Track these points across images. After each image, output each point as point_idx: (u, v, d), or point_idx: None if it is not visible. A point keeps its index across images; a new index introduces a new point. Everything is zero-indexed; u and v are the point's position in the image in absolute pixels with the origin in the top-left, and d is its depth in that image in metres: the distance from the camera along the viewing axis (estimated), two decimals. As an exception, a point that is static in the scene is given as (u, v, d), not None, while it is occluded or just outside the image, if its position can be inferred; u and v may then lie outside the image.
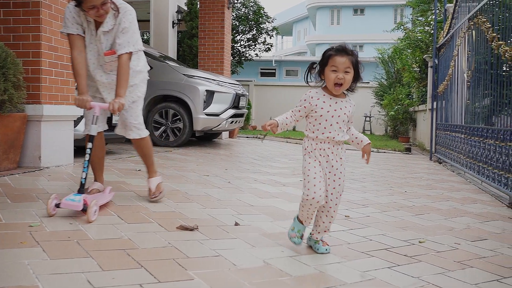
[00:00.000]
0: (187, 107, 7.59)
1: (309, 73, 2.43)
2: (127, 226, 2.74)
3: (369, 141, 2.48)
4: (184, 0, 13.44)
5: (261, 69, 28.33)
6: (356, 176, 5.66)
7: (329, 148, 2.38)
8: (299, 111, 2.42)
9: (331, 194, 2.42)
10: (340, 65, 2.30)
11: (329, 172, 2.39)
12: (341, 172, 2.41)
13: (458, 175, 6.29)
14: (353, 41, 34.57)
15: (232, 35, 15.08)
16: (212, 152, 7.52)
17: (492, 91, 5.03)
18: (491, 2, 5.16)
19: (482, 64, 5.46)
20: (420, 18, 12.74)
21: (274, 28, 16.51)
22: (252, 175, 5.23)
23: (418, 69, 12.21)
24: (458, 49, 6.81)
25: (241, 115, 8.53)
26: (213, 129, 7.95)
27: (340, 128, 2.37)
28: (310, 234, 2.58)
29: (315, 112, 2.36)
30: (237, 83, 8.82)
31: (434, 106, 8.59)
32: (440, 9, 9.53)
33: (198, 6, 10.53)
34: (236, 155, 7.37)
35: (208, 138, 9.59)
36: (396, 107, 13.42)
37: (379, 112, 15.82)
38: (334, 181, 2.40)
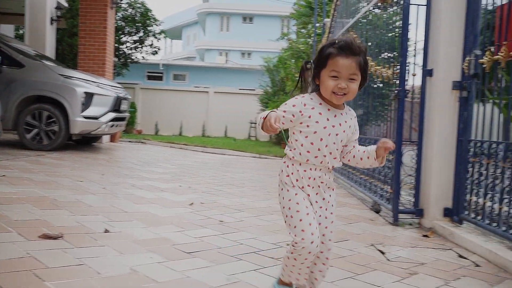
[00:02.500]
0: (64, 109, 7.18)
1: (301, 78, 1.82)
2: (-19, 237, 2.52)
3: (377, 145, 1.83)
4: (65, -4, 12.75)
5: (148, 72, 27.77)
6: (235, 181, 5.77)
7: (320, 176, 1.80)
8: (284, 117, 1.77)
9: (323, 235, 1.83)
10: (343, 70, 1.69)
11: (320, 207, 1.82)
12: (332, 206, 1.86)
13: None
14: (242, 48, 35.32)
15: (117, 36, 14.62)
16: (90, 156, 7.20)
17: (364, 102, 5.43)
18: (361, 20, 5.58)
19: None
20: (303, 30, 13.37)
21: (162, 31, 16.29)
22: (130, 180, 5.10)
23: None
24: (333, 61, 7.25)
25: (122, 119, 8.28)
26: (91, 133, 7.61)
27: (337, 150, 1.80)
28: None
29: (307, 126, 1.76)
30: (119, 85, 8.55)
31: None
32: (319, 22, 10.09)
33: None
34: (115, 160, 7.13)
35: (87, 142, 9.17)
36: (279, 114, 13.90)
37: (264, 118, 16.27)
38: (326, 218, 1.83)
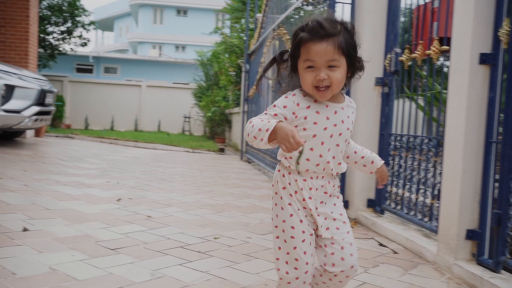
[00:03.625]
0: (-18, 102, 6.77)
1: (277, 72, 1.55)
2: None
3: (383, 160, 1.68)
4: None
5: (78, 64, 26.76)
6: (166, 176, 5.70)
7: (323, 186, 1.53)
8: (273, 116, 1.48)
9: (341, 248, 1.54)
10: (318, 58, 1.40)
11: (325, 218, 1.54)
12: (341, 214, 1.57)
13: (263, 174, 6.77)
14: (176, 41, 34.85)
15: (42, 25, 13.96)
16: (12, 152, 6.84)
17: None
18: (294, 16, 5.66)
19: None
20: (236, 25, 13.39)
21: (91, 22, 15.72)
22: (55, 176, 4.90)
23: (234, 73, 12.82)
24: (265, 56, 7.32)
25: (47, 113, 7.93)
26: (13, 127, 7.23)
27: (341, 152, 1.54)
28: None
29: (304, 129, 1.48)
30: (44, 78, 8.18)
31: (246, 109, 9.11)
32: (252, 17, 10.15)
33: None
34: (40, 156, 6.82)
35: (8, 137, 8.71)
36: (213, 108, 13.87)
37: (198, 113, 16.20)
38: (338, 229, 1.55)
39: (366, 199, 3.78)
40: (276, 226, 1.55)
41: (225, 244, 2.82)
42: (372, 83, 3.70)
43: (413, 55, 3.17)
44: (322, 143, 1.49)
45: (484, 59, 2.33)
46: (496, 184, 2.34)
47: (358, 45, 1.48)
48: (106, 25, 41.77)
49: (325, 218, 1.54)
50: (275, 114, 1.47)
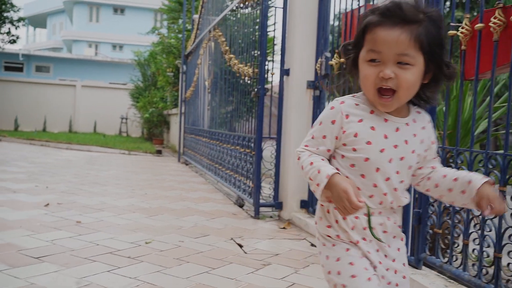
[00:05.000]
0: None
1: (351, 67, 1.20)
2: None
3: (486, 178, 1.15)
4: None
5: (6, 62, 25.45)
6: (99, 179, 5.55)
7: (381, 224, 1.20)
8: (321, 139, 1.18)
9: None
10: (385, 49, 1.08)
11: (387, 269, 1.20)
12: (404, 265, 1.25)
13: (200, 176, 6.73)
14: (113, 41, 33.95)
15: (-34, 21, 13.19)
16: None
17: (234, 99, 5.52)
18: (231, 18, 5.67)
19: (223, 73, 5.95)
20: (173, 25, 13.25)
21: (21, 18, 15.05)
22: (-22, 181, 4.65)
23: (172, 73, 12.67)
24: (201, 58, 7.29)
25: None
26: None
27: (402, 183, 1.20)
28: None
29: (353, 150, 1.16)
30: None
31: (183, 110, 9.03)
32: (188, 18, 10.07)
33: None
34: (-37, 159, 6.45)
35: None
36: (151, 109, 13.64)
37: (135, 114, 15.88)
38: (397, 285, 1.22)
39: (300, 200, 3.85)
40: (329, 272, 1.20)
41: (157, 248, 2.78)
42: (304, 86, 3.78)
43: (342, 59, 3.27)
44: (378, 169, 1.15)
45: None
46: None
47: (445, 42, 1.14)
48: (38, 21, 40.01)
49: (387, 269, 1.20)
50: (324, 136, 1.18)
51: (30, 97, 16.88)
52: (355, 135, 1.15)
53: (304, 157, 1.18)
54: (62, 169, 6.33)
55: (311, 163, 1.15)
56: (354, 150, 1.15)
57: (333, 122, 1.16)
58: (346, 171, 1.17)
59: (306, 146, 1.21)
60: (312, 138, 1.20)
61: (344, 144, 1.17)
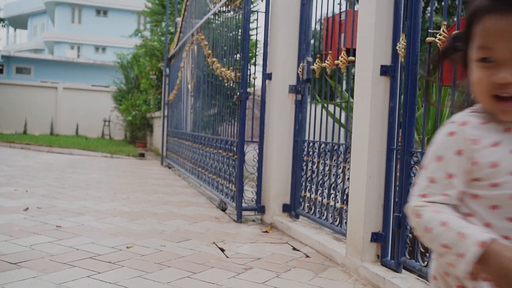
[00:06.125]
0: None
1: (462, 69, 0.94)
2: None
3: None
4: None
5: (-15, 64, 25.11)
6: (80, 183, 5.50)
7: None
8: (447, 180, 0.88)
9: None
10: (501, 44, 0.83)
11: None
12: None
13: (183, 180, 6.70)
14: (95, 43, 33.65)
15: None
16: None
17: (218, 102, 5.51)
18: (214, 21, 5.66)
19: (205, 76, 5.94)
20: (156, 28, 13.20)
21: (1, 19, 14.87)
22: (-45, 185, 4.57)
23: (155, 76, 12.61)
24: (184, 61, 7.27)
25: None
26: None
27: None
28: None
29: (491, 186, 0.86)
30: None
31: (166, 113, 8.99)
32: (171, 21, 10.04)
33: None
34: None
35: None
36: (134, 112, 13.56)
37: (118, 117, 15.77)
38: None
39: (282, 203, 3.86)
40: None
41: (138, 253, 2.77)
42: (286, 91, 3.79)
43: (324, 64, 3.30)
44: None
45: (384, 70, 2.47)
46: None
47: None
48: (19, 22, 39.48)
49: None
50: (450, 176, 0.88)
51: (10, 99, 16.65)
52: (493, 165, 0.85)
53: (429, 214, 0.87)
54: (42, 172, 6.26)
55: (444, 223, 0.84)
56: (494, 185, 0.85)
57: (459, 152, 0.87)
58: (485, 213, 0.87)
59: (424, 195, 0.89)
60: (431, 182, 0.89)
61: (476, 180, 0.87)
